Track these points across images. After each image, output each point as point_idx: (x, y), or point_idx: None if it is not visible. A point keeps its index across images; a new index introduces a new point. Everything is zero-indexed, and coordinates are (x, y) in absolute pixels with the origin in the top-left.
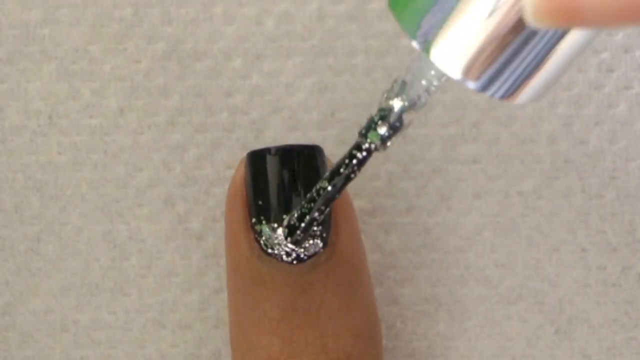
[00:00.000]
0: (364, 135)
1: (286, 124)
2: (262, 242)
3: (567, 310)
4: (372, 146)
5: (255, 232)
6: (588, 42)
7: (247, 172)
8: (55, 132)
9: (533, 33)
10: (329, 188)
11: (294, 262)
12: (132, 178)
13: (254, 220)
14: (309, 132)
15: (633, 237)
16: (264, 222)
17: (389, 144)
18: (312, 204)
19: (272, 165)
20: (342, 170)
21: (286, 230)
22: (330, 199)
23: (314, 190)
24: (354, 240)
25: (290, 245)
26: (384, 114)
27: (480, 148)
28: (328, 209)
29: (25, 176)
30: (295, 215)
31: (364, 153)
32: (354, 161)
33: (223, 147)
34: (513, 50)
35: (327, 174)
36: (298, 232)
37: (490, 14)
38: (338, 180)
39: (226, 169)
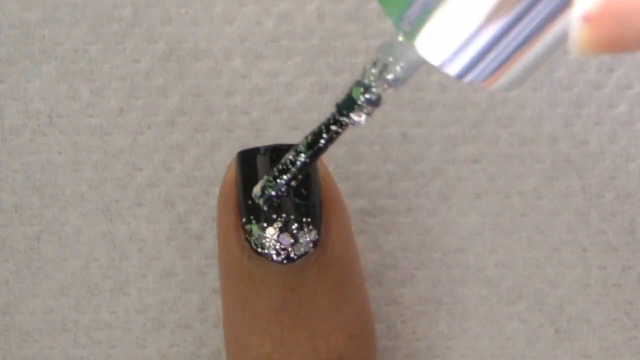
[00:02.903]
0: (345, 114)
1: (286, 124)
2: (252, 241)
3: (568, 311)
4: (353, 122)
5: (245, 231)
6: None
7: (237, 172)
8: (55, 132)
9: (519, 18)
10: (307, 160)
11: (284, 261)
12: (132, 178)
13: (244, 220)
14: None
15: (633, 237)
16: (253, 221)
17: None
18: (285, 174)
19: (262, 165)
20: (321, 143)
21: (260, 195)
22: (304, 169)
23: (286, 161)
24: (346, 241)
25: (283, 243)
26: (367, 94)
27: (481, 148)
28: (300, 179)
29: (25, 176)
30: (268, 184)
31: (343, 128)
32: (334, 135)
33: (223, 147)
34: (496, 36)
35: (301, 145)
36: (272, 198)
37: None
38: (314, 151)
39: (226, 169)
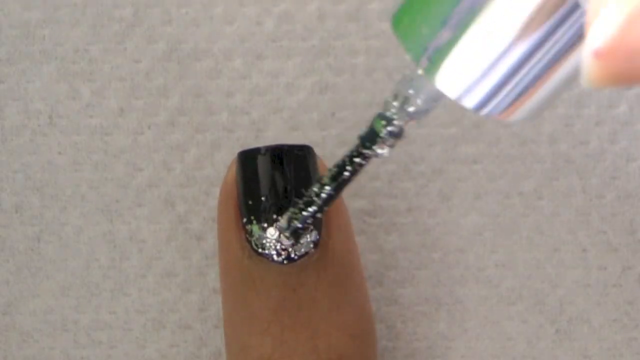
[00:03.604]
0: (368, 147)
1: (286, 124)
2: (252, 241)
3: (568, 311)
4: (376, 154)
5: (245, 231)
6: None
7: (238, 172)
8: (55, 132)
9: (532, 54)
10: (332, 192)
11: (285, 261)
12: (132, 178)
13: (244, 220)
14: (309, 132)
15: (633, 238)
16: (254, 221)
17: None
18: (310, 206)
19: (262, 165)
20: (345, 174)
21: (286, 227)
22: (329, 201)
23: (310, 192)
24: (346, 240)
25: (283, 243)
26: (389, 126)
27: (481, 148)
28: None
29: (25, 176)
30: (293, 215)
31: (367, 160)
32: (357, 167)
33: (223, 147)
34: (509, 72)
35: (325, 177)
36: (298, 230)
37: (501, 39)
38: (339, 183)
39: (226, 169)
